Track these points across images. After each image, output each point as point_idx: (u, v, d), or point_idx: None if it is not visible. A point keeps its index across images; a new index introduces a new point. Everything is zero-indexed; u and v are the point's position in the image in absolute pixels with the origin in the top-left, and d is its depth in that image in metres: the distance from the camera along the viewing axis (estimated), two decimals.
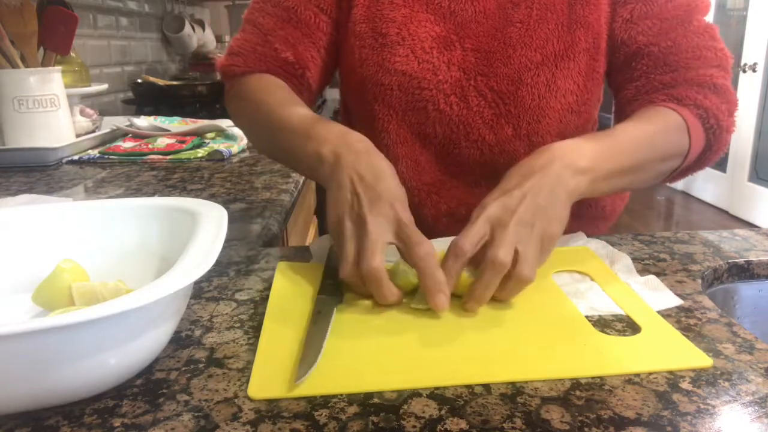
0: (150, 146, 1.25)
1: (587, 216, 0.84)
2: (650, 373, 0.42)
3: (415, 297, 0.53)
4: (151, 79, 1.94)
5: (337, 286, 0.55)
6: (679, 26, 0.72)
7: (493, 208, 0.52)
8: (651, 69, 0.72)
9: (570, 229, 0.67)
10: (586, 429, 0.37)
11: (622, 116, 0.74)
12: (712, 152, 0.71)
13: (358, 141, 0.59)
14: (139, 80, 1.94)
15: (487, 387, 0.41)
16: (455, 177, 0.79)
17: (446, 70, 0.74)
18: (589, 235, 0.70)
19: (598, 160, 0.57)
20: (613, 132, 0.62)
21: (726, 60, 0.72)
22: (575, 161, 0.56)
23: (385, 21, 0.75)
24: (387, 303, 0.51)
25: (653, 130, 0.65)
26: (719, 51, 0.71)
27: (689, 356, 0.45)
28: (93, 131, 1.35)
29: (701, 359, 0.44)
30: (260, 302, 0.54)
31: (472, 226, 0.52)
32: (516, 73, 0.73)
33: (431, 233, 0.69)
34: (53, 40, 1.18)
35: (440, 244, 0.66)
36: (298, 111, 0.67)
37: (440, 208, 0.80)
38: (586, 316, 0.51)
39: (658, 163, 0.66)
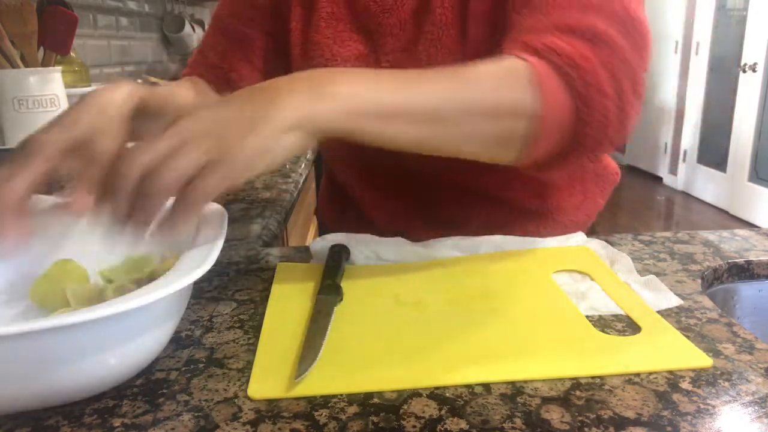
0: None
1: (560, 223, 0.83)
2: (650, 373, 0.42)
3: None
4: (151, 79, 1.94)
5: (338, 286, 0.55)
6: None
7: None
8: (517, 14, 0.59)
9: (534, 235, 0.67)
10: (586, 429, 0.37)
11: None
12: (585, 124, 0.52)
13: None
14: (139, 80, 1.94)
15: (487, 387, 0.41)
16: (394, 175, 0.80)
17: None
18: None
19: (371, 90, 0.45)
20: (420, 71, 0.48)
21: (627, 17, 0.55)
22: (321, 83, 0.43)
23: (313, 44, 0.76)
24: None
25: (475, 74, 0.50)
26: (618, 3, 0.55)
27: (689, 356, 0.45)
28: None
29: (701, 359, 0.44)
30: (260, 302, 0.54)
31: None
32: None
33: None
34: (53, 40, 1.18)
35: (448, 245, 0.66)
36: None
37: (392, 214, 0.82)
38: (586, 316, 0.51)
39: (480, 117, 0.49)
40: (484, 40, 0.69)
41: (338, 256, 0.60)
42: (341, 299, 0.53)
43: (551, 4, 0.55)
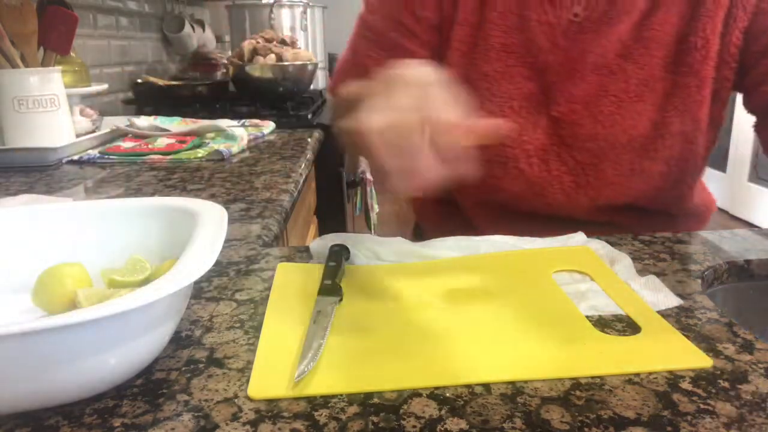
0: (150, 146, 1.25)
1: (682, 214, 0.82)
2: (650, 373, 0.42)
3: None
4: (151, 79, 1.94)
5: (337, 286, 0.55)
6: None
7: None
8: None
9: (665, 228, 0.67)
10: (586, 429, 0.37)
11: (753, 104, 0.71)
12: None
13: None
14: (139, 80, 1.94)
15: (487, 387, 0.41)
16: (504, 215, 0.77)
17: (531, 132, 0.72)
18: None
19: None
20: None
21: None
22: None
23: (477, 74, 0.72)
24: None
25: None
26: None
27: (689, 356, 0.45)
28: (93, 131, 1.35)
29: (701, 359, 0.44)
30: (260, 302, 0.54)
31: None
32: (600, 150, 0.70)
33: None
34: (53, 40, 1.18)
35: (447, 245, 0.66)
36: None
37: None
38: (586, 316, 0.51)
39: None
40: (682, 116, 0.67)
41: (338, 256, 0.60)
42: (341, 299, 0.53)
43: None
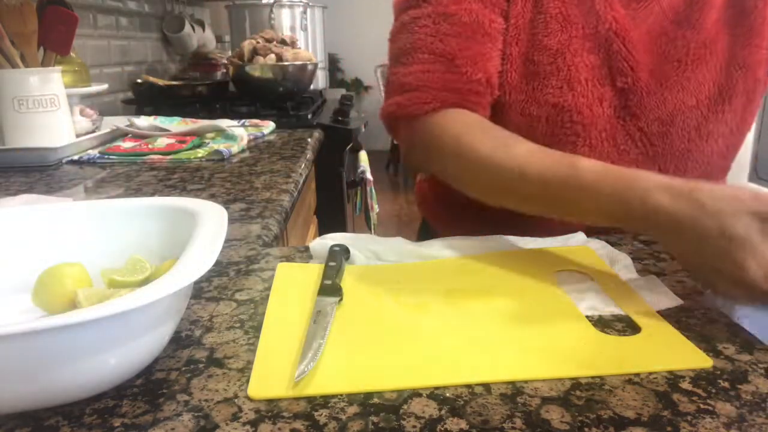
0: (150, 146, 1.25)
1: None
2: (650, 373, 0.42)
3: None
4: (151, 79, 1.94)
5: (337, 286, 0.55)
6: None
7: None
8: None
9: None
10: (586, 429, 0.37)
11: None
12: None
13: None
14: (139, 80, 1.94)
15: (487, 387, 0.41)
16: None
17: (599, 106, 0.70)
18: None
19: None
20: None
21: None
22: None
23: (538, 48, 0.69)
24: None
25: None
26: None
27: (689, 356, 0.45)
28: (93, 131, 1.35)
29: (701, 359, 0.44)
30: (260, 302, 0.54)
31: None
32: (668, 116, 0.70)
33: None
34: (53, 40, 1.18)
35: (447, 245, 0.66)
36: (583, 164, 0.55)
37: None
38: (586, 316, 0.51)
39: None
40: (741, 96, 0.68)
41: (338, 256, 0.60)
42: (341, 299, 0.53)
43: None
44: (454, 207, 0.87)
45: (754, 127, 3.64)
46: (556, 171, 0.56)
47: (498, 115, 0.73)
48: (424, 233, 0.99)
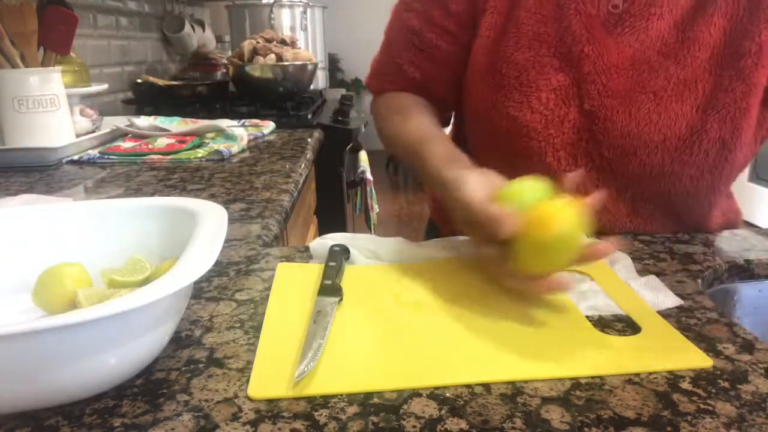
0: (150, 146, 1.25)
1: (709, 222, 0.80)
2: (650, 373, 0.42)
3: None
4: (151, 79, 1.94)
5: (337, 286, 0.55)
6: None
7: None
8: None
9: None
10: (586, 429, 0.37)
11: None
12: None
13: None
14: (139, 80, 1.94)
15: (487, 387, 0.41)
16: None
17: (559, 126, 0.70)
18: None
19: None
20: None
21: None
22: None
23: (504, 60, 0.71)
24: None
25: None
26: None
27: (689, 356, 0.45)
28: (93, 131, 1.35)
29: (701, 359, 0.44)
30: (260, 302, 0.54)
31: None
32: (631, 148, 0.69)
33: None
34: (53, 40, 1.18)
35: (447, 246, 0.66)
36: (434, 151, 0.67)
37: None
38: (586, 316, 0.51)
39: None
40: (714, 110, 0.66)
41: (338, 256, 0.60)
42: (341, 299, 0.53)
43: None
44: None
45: None
46: (414, 147, 0.70)
47: (467, 122, 0.79)
48: (431, 232, 0.99)
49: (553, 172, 0.71)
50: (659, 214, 0.73)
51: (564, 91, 0.70)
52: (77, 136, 1.26)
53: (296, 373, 0.41)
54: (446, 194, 0.60)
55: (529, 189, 0.53)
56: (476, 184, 0.56)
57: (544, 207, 0.50)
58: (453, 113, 0.91)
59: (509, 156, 0.74)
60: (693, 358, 0.44)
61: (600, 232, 0.70)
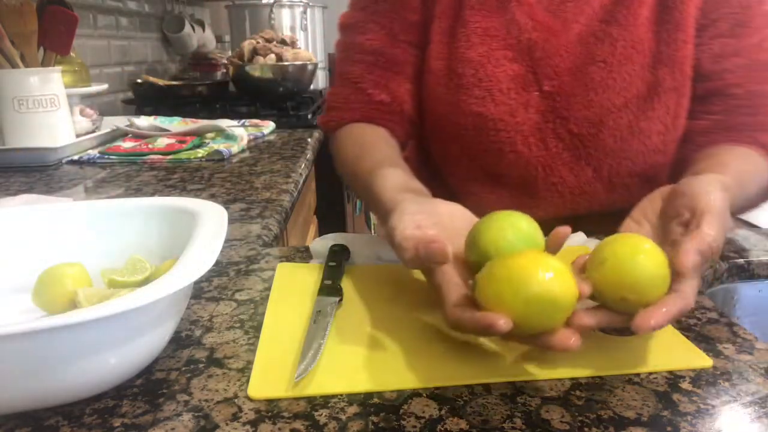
0: (150, 146, 1.25)
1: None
2: (650, 373, 0.42)
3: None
4: (151, 79, 1.94)
5: (338, 286, 0.55)
6: (765, 71, 0.71)
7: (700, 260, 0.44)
8: (732, 108, 0.71)
9: None
10: (586, 429, 0.37)
11: (689, 145, 0.73)
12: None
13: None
14: (139, 80, 1.94)
15: (487, 387, 0.41)
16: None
17: (524, 112, 0.72)
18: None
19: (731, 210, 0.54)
20: (740, 175, 0.59)
21: None
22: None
23: (460, 61, 0.73)
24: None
25: (755, 179, 0.65)
26: None
27: (689, 356, 0.45)
28: (93, 131, 1.35)
29: (701, 359, 0.44)
30: (260, 302, 0.54)
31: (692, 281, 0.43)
32: (597, 117, 0.70)
33: None
34: (53, 40, 1.18)
35: None
36: (386, 185, 0.60)
37: None
38: None
39: (743, 208, 0.67)
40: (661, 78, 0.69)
41: (338, 256, 0.60)
42: (341, 299, 0.53)
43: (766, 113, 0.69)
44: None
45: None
46: (367, 179, 0.63)
47: (431, 126, 0.78)
48: None
49: (526, 161, 0.73)
50: (636, 184, 0.74)
51: (522, 79, 0.72)
52: (77, 136, 1.26)
53: (296, 374, 0.41)
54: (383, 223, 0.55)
55: (509, 229, 0.45)
56: (408, 212, 0.49)
57: (525, 259, 0.40)
58: None
59: (480, 154, 0.74)
60: (693, 358, 0.44)
61: (578, 216, 0.71)
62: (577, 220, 0.71)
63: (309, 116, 1.80)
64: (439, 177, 0.84)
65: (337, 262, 0.59)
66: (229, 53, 2.54)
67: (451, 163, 0.77)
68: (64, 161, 1.19)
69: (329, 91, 0.83)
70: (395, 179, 0.59)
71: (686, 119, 0.74)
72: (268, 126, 1.53)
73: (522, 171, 0.74)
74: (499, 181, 0.76)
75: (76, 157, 1.20)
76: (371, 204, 0.63)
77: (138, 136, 1.36)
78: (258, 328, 0.49)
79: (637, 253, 0.41)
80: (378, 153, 0.70)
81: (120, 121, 1.45)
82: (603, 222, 0.60)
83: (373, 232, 1.88)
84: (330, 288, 0.54)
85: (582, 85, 0.70)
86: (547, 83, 0.71)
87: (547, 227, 0.60)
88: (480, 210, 0.73)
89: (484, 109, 0.72)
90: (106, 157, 1.20)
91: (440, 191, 0.78)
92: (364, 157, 0.70)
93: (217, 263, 0.62)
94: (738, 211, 0.63)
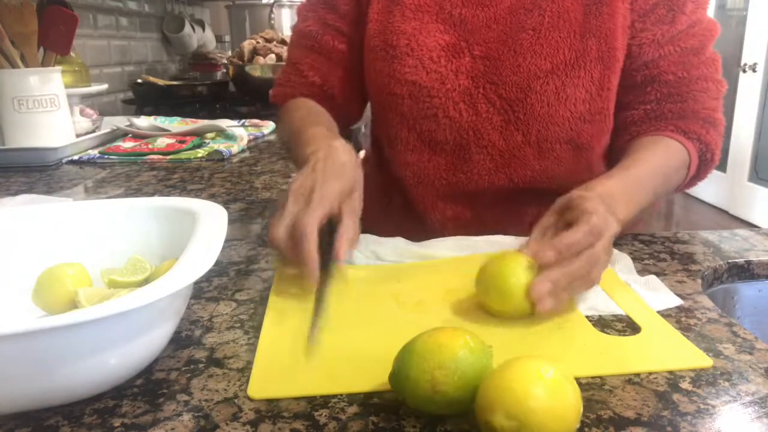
0: (150, 146, 1.25)
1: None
2: (650, 373, 0.42)
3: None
4: (151, 79, 1.94)
5: (331, 252, 0.55)
6: (694, 56, 0.74)
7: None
8: (663, 96, 0.75)
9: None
10: (586, 429, 0.37)
11: (624, 135, 0.77)
12: (697, 179, 0.78)
13: (339, 144, 0.63)
14: (139, 80, 1.94)
15: None
16: (463, 184, 0.79)
17: (454, 79, 0.75)
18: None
19: (630, 209, 0.61)
20: (640, 173, 0.66)
21: (723, 91, 0.77)
22: (617, 215, 0.58)
23: (395, 33, 0.77)
24: (303, 266, 0.52)
25: (672, 170, 0.71)
26: (719, 83, 0.76)
27: (689, 356, 0.45)
28: (93, 131, 1.35)
29: (701, 359, 0.44)
30: (260, 302, 0.54)
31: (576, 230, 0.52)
32: (525, 81, 0.73)
33: (437, 237, 0.69)
34: (53, 40, 1.18)
35: (447, 245, 0.66)
36: (309, 126, 0.72)
37: (446, 214, 0.82)
38: (586, 316, 0.51)
39: (662, 196, 0.72)
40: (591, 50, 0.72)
41: (327, 234, 0.59)
42: (338, 262, 0.54)
43: (692, 98, 0.74)
44: (381, 201, 0.90)
45: (753, 127, 3.62)
46: (294, 132, 0.74)
47: (374, 98, 0.84)
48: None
49: (458, 125, 0.77)
50: (566, 152, 0.77)
51: (452, 48, 0.76)
52: (77, 136, 1.26)
53: (311, 341, 0.44)
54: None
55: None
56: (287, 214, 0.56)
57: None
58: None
59: (417, 122, 0.78)
60: (693, 358, 0.44)
61: (512, 181, 0.76)
62: (518, 194, 0.77)
63: None
64: (386, 161, 0.88)
65: (330, 235, 0.58)
66: (229, 53, 2.54)
67: (393, 136, 0.82)
68: (64, 161, 1.19)
69: (280, 70, 0.92)
70: (320, 130, 0.70)
71: (620, 106, 0.78)
72: (268, 126, 1.53)
73: (455, 135, 0.77)
74: (435, 148, 0.79)
75: (76, 157, 1.20)
76: (295, 151, 0.71)
77: (138, 136, 1.36)
78: (258, 328, 0.49)
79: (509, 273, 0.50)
80: (309, 114, 0.80)
81: (120, 121, 1.45)
82: (544, 202, 0.62)
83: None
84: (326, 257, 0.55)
85: (511, 51, 0.74)
86: (477, 49, 0.75)
87: (478, 189, 0.78)
88: (420, 178, 0.82)
89: (417, 77, 0.76)
90: (106, 157, 1.20)
91: (385, 177, 0.87)
92: (295, 113, 0.81)
93: (217, 263, 0.62)
94: (653, 198, 0.67)
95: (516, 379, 0.34)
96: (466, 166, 0.78)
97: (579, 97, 0.74)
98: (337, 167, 0.59)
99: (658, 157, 0.71)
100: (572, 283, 0.50)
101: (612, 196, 0.58)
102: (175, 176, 1.05)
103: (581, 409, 0.35)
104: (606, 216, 0.53)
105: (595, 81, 0.74)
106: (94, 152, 1.23)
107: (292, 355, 0.45)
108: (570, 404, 0.34)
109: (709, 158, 0.75)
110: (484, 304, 0.51)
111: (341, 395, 0.40)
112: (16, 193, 0.94)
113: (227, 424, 0.37)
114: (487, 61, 0.75)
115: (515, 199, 0.80)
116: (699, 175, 0.77)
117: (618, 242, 0.70)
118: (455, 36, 0.76)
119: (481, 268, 0.52)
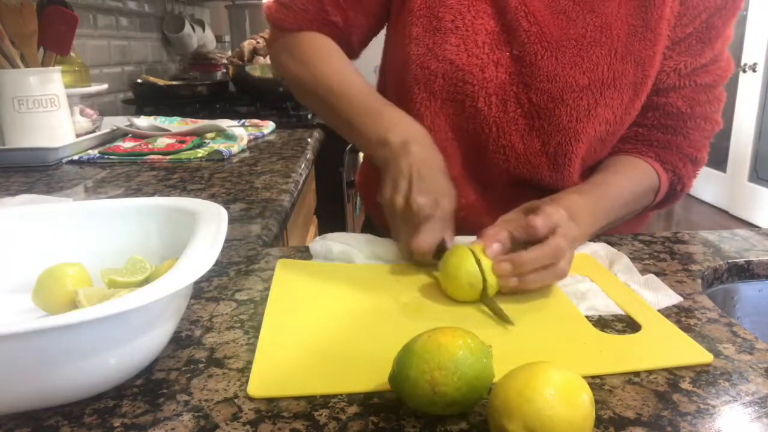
0: (150, 146, 1.25)
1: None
2: (650, 373, 0.42)
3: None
4: (151, 79, 1.94)
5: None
6: (704, 93, 0.73)
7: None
8: (658, 125, 0.75)
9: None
10: None
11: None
12: (663, 205, 0.79)
13: (423, 135, 0.66)
14: (139, 80, 1.94)
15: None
16: (474, 176, 0.78)
17: (493, 70, 0.72)
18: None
19: (591, 227, 0.65)
20: (608, 193, 0.69)
21: (716, 130, 0.76)
22: (584, 230, 0.63)
23: (442, 5, 0.73)
24: (420, 252, 0.58)
25: (639, 193, 0.73)
26: (716, 123, 0.76)
27: (689, 352, 0.45)
28: (93, 131, 1.35)
29: (701, 355, 0.44)
30: (260, 302, 0.54)
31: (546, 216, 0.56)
32: (559, 92, 0.71)
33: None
34: (53, 40, 1.18)
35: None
36: (358, 86, 0.72)
37: (458, 201, 0.79)
38: (586, 316, 0.51)
39: (627, 217, 0.74)
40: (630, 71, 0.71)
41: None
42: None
43: (683, 134, 0.74)
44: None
45: (753, 127, 3.63)
46: (341, 86, 0.73)
47: (400, 65, 0.78)
48: (368, 226, 0.97)
49: (483, 117, 0.73)
50: (577, 169, 0.76)
51: (496, 36, 0.73)
52: (77, 136, 1.26)
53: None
54: (382, 150, 0.65)
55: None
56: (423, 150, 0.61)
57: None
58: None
59: (443, 100, 0.75)
60: (693, 354, 0.44)
61: (522, 181, 0.76)
62: (528, 193, 0.74)
63: (309, 116, 1.80)
64: None
65: None
66: (229, 53, 2.54)
67: (416, 111, 0.77)
68: (64, 161, 1.19)
69: None
70: (363, 86, 0.71)
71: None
72: (268, 126, 1.53)
73: (476, 127, 0.75)
74: (458, 132, 0.77)
75: (76, 157, 1.20)
76: (339, 105, 0.72)
77: (138, 136, 1.36)
78: (258, 328, 0.49)
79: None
80: (340, 61, 0.76)
81: (120, 121, 1.45)
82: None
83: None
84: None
85: (552, 57, 0.71)
86: (517, 47, 0.72)
87: (486, 185, 0.79)
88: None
89: (457, 58, 0.72)
90: (106, 157, 1.20)
91: None
92: (325, 61, 0.76)
93: (217, 263, 0.62)
94: (615, 220, 0.70)
95: (537, 389, 0.34)
96: (479, 159, 0.76)
97: (606, 118, 0.72)
98: (432, 174, 0.63)
99: (629, 180, 0.72)
100: (533, 268, 0.53)
101: (576, 212, 0.60)
102: (175, 176, 1.05)
103: (594, 416, 0.35)
104: (566, 220, 0.57)
105: (623, 105, 0.72)
106: (94, 152, 1.23)
107: (292, 355, 0.45)
108: (587, 414, 0.34)
109: (679, 190, 0.76)
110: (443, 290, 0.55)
111: (341, 395, 0.40)
112: (16, 193, 0.94)
113: (227, 424, 0.37)
114: (525, 62, 0.72)
115: (526, 196, 0.78)
116: (665, 202, 0.78)
117: (618, 242, 0.70)
118: (499, 24, 0.72)
119: (443, 257, 0.56)
